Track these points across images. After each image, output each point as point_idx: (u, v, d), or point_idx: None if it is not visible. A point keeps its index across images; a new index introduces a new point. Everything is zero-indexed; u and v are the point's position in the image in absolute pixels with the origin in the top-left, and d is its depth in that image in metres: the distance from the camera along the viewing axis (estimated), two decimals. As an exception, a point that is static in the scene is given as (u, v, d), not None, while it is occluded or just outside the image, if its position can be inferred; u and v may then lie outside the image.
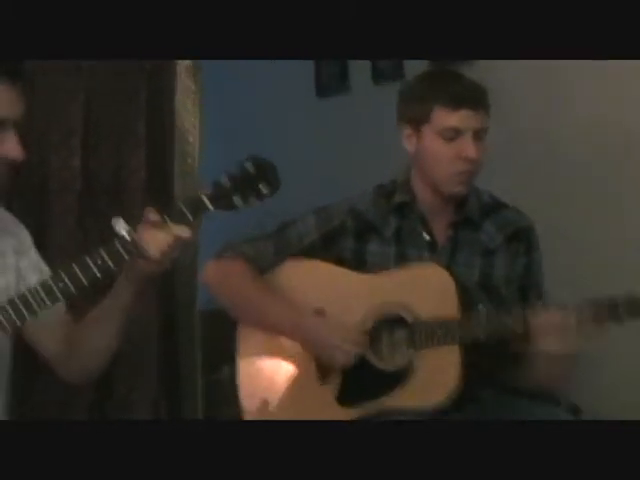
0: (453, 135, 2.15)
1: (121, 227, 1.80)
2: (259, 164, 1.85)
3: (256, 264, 2.25)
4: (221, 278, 2.27)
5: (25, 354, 2.04)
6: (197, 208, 1.82)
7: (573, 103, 3.11)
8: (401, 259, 2.24)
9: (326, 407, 2.18)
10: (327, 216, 2.27)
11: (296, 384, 2.24)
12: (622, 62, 2.35)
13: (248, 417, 2.24)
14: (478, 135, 2.17)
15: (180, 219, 1.81)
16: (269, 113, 4.13)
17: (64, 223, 2.46)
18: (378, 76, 3.81)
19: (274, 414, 2.23)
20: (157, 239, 1.80)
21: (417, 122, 2.20)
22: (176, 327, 2.58)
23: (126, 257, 1.82)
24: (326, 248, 2.26)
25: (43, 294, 1.81)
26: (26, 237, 2.02)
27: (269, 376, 2.26)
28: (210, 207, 1.83)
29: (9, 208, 2.20)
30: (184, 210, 1.82)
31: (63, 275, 1.81)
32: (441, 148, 2.17)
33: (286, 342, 2.24)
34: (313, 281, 2.26)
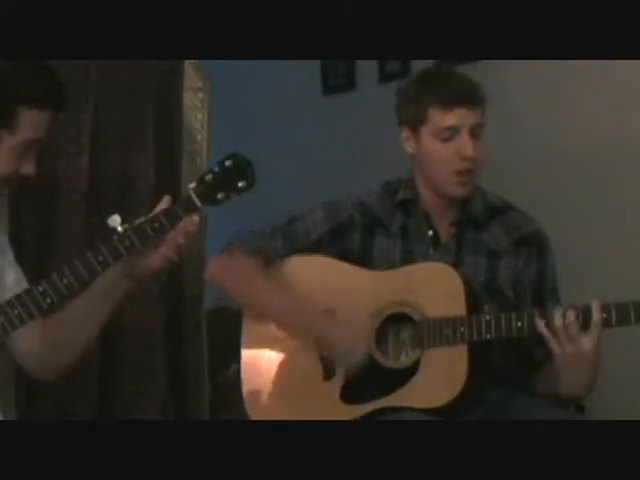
0: (450, 135, 2.15)
1: (116, 223, 1.86)
2: (237, 162, 1.93)
3: (264, 258, 2.23)
4: (229, 272, 2.25)
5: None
6: (188, 207, 1.91)
7: (578, 108, 3.10)
8: (406, 254, 2.23)
9: (330, 405, 2.17)
10: (335, 210, 2.27)
11: (300, 381, 2.23)
12: (623, 62, 2.37)
13: (251, 414, 2.23)
14: (475, 132, 2.16)
15: (174, 218, 1.89)
16: (276, 111, 4.13)
17: (71, 223, 2.46)
18: (384, 75, 3.80)
19: (277, 411, 2.22)
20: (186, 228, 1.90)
21: (414, 124, 2.19)
22: (183, 327, 2.58)
23: (124, 252, 1.86)
24: (334, 241, 2.25)
25: (49, 290, 1.84)
26: (3, 235, 2.05)
27: (273, 373, 2.25)
28: (198, 203, 1.90)
29: (17, 208, 2.19)
30: (177, 209, 1.90)
31: (67, 271, 1.84)
32: (439, 149, 2.17)
33: (290, 339, 2.23)
34: (321, 277, 2.24)
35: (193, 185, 1.92)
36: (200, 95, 2.62)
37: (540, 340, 2.07)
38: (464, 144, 2.14)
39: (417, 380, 2.12)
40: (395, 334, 2.19)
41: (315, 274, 2.25)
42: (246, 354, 2.28)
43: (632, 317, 1.98)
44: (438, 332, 2.10)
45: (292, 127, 4.03)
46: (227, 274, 2.26)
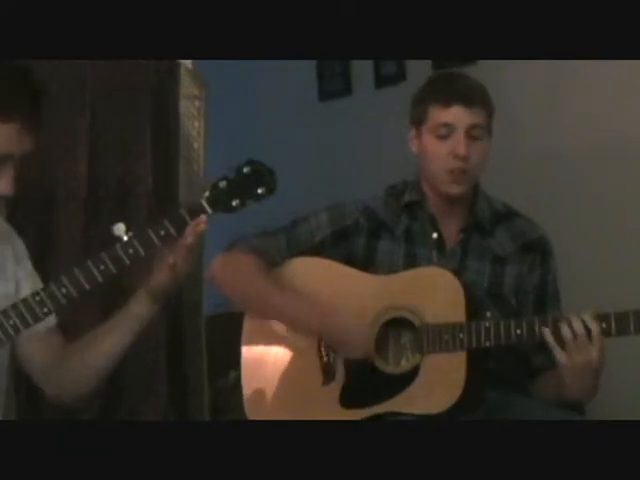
0: (446, 132, 2.15)
1: (121, 231, 1.83)
2: (256, 168, 1.89)
3: (266, 258, 2.24)
4: (230, 272, 2.25)
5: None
6: (197, 212, 1.86)
7: (577, 109, 3.10)
8: (410, 258, 2.24)
9: (329, 409, 2.16)
10: (340, 213, 2.27)
11: (299, 385, 2.23)
12: (622, 63, 2.34)
13: (250, 415, 2.24)
14: (472, 132, 2.15)
15: (181, 224, 1.84)
16: (272, 117, 4.18)
17: (69, 231, 2.46)
18: (380, 79, 3.81)
19: (277, 414, 2.22)
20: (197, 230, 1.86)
21: (418, 123, 2.22)
22: (183, 333, 2.59)
23: (127, 261, 1.83)
24: (337, 245, 2.25)
25: (46, 299, 1.81)
26: (22, 247, 2.02)
27: (273, 375, 2.25)
28: (209, 210, 1.86)
29: (13, 216, 2.16)
30: (184, 215, 1.85)
31: (65, 280, 1.81)
32: (435, 146, 2.18)
33: (290, 342, 2.23)
34: (323, 280, 2.24)
35: (207, 193, 1.87)
36: (197, 103, 2.63)
37: (539, 347, 2.07)
38: (458, 143, 2.14)
39: (416, 386, 2.10)
40: (395, 339, 2.18)
41: (317, 276, 2.25)
42: (246, 356, 2.27)
43: (632, 327, 1.96)
44: (438, 338, 2.10)
45: (289, 133, 4.06)
46: (228, 275, 2.25)
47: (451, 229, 2.24)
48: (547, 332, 2.00)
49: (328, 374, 2.19)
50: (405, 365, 2.14)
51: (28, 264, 2.00)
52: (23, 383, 2.12)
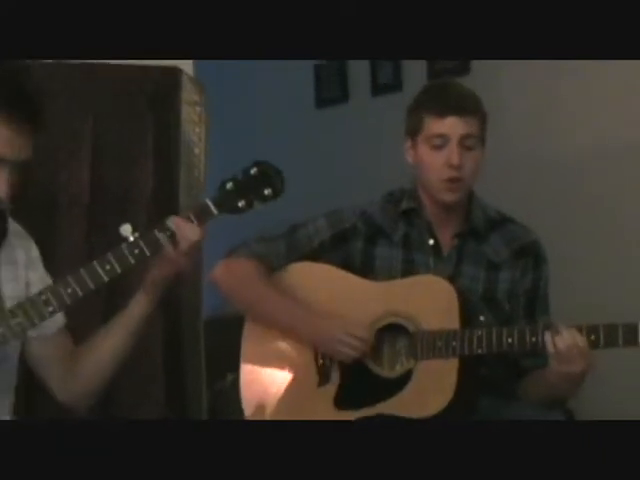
0: (441, 142, 2.15)
1: (128, 232, 1.82)
2: (264, 169, 1.88)
3: (267, 263, 2.25)
4: (232, 277, 2.26)
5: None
6: (202, 213, 1.85)
7: (571, 115, 3.11)
8: (408, 263, 2.24)
9: (324, 410, 2.17)
10: (338, 219, 2.27)
11: (295, 387, 2.23)
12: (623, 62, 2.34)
13: (249, 414, 2.24)
14: (465, 142, 2.16)
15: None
16: (271, 124, 4.20)
17: (72, 236, 2.44)
18: (377, 87, 3.82)
19: (274, 414, 2.23)
20: (187, 234, 1.84)
21: (413, 133, 2.22)
22: (181, 336, 2.57)
23: (132, 261, 1.82)
24: (335, 249, 2.25)
25: (52, 298, 1.81)
26: (35, 251, 2.01)
27: (270, 379, 2.25)
28: (215, 212, 1.85)
29: (17, 220, 2.15)
30: (190, 216, 1.84)
31: (70, 280, 1.81)
32: (430, 156, 2.18)
33: (288, 346, 2.24)
34: (321, 286, 2.25)
35: (214, 195, 1.87)
36: (197, 109, 2.61)
37: (528, 351, 2.07)
38: (451, 153, 2.14)
39: (409, 390, 2.11)
40: (390, 344, 2.18)
41: (315, 281, 2.26)
42: (245, 359, 2.28)
43: (620, 340, 1.97)
44: (431, 345, 2.10)
45: (286, 139, 4.06)
46: (230, 279, 2.26)
47: (447, 235, 2.25)
48: (548, 339, 1.99)
49: (324, 376, 2.19)
50: (399, 370, 2.14)
51: (40, 268, 2.00)
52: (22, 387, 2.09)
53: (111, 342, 1.95)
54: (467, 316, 2.12)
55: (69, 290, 1.81)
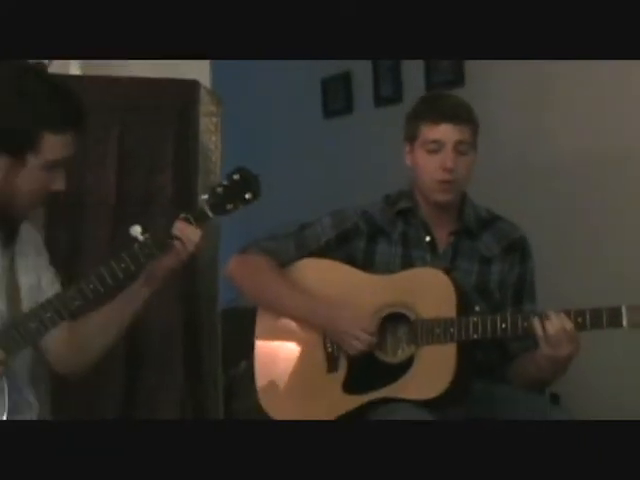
0: (436, 148, 2.17)
1: (137, 233, 1.87)
2: (244, 175, 1.93)
3: (277, 259, 2.26)
4: (245, 271, 2.27)
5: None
6: (200, 217, 1.91)
7: (560, 121, 3.10)
8: (406, 259, 2.24)
9: (332, 395, 2.18)
10: (342, 218, 2.28)
11: (306, 373, 2.23)
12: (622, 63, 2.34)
13: (263, 400, 2.25)
14: (459, 147, 2.17)
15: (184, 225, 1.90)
16: (281, 133, 4.16)
17: (98, 235, 2.44)
18: (379, 99, 3.83)
19: (286, 399, 2.24)
20: (190, 236, 1.89)
21: (411, 139, 2.23)
22: (199, 326, 2.56)
23: (143, 260, 1.87)
24: (340, 247, 2.26)
25: (77, 294, 1.85)
26: (40, 239, 2.05)
27: (282, 365, 2.25)
28: (210, 215, 1.91)
29: (48, 219, 2.19)
30: (190, 219, 1.90)
31: (93, 277, 1.85)
32: (426, 160, 2.19)
33: (298, 334, 2.24)
34: (328, 279, 2.25)
35: (205, 197, 1.92)
36: (214, 120, 2.60)
37: (516, 336, 2.08)
38: (446, 157, 2.15)
39: (411, 374, 2.12)
40: (392, 332, 2.19)
41: (323, 275, 2.26)
42: (259, 347, 2.28)
43: (604, 322, 1.97)
44: (430, 332, 2.11)
45: (296, 146, 4.05)
46: (243, 273, 2.27)
47: (442, 233, 2.26)
48: (537, 324, 2.01)
49: (332, 363, 2.20)
50: (401, 355, 2.15)
51: (45, 255, 2.03)
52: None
53: (107, 323, 1.97)
54: (463, 305, 2.13)
55: (91, 286, 1.85)
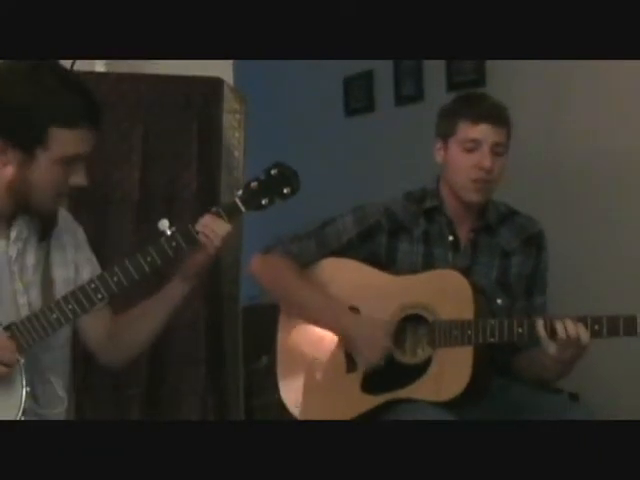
0: (473, 146, 2.16)
1: (165, 227, 1.84)
2: (282, 170, 1.90)
3: (299, 261, 2.25)
4: (267, 272, 2.27)
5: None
6: (232, 211, 1.88)
7: (577, 122, 3.07)
8: (428, 258, 2.23)
9: (351, 394, 2.17)
10: (363, 215, 2.26)
11: (326, 371, 2.23)
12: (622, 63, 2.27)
13: (284, 398, 2.24)
14: (495, 149, 2.18)
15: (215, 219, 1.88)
16: (304, 130, 4.19)
17: (122, 229, 2.45)
18: (400, 98, 3.80)
19: (306, 397, 2.23)
20: (216, 230, 1.86)
21: (445, 136, 2.21)
22: (222, 322, 2.57)
23: (170, 253, 1.85)
24: (362, 244, 2.25)
25: (100, 286, 1.84)
26: (81, 234, 2.04)
27: (303, 363, 2.25)
28: (242, 209, 1.88)
29: (76, 215, 2.15)
30: (221, 213, 1.87)
31: (117, 270, 1.83)
32: (462, 158, 2.17)
33: (320, 333, 2.24)
34: (349, 279, 2.24)
35: (239, 192, 1.89)
36: (237, 117, 2.61)
37: (532, 341, 2.06)
38: (483, 156, 2.15)
39: (428, 376, 2.10)
40: (412, 333, 2.18)
41: (344, 276, 2.25)
42: (281, 344, 2.28)
43: (621, 330, 1.96)
44: (448, 333, 2.09)
45: (318, 144, 4.07)
46: (266, 272, 2.27)
47: (464, 230, 2.25)
48: (540, 327, 1.99)
49: (351, 363, 2.19)
50: (420, 356, 2.13)
51: (87, 249, 2.02)
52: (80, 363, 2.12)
53: (148, 318, 1.98)
54: (484, 302, 2.13)
55: (115, 279, 1.83)
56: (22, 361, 1.78)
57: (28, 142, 1.78)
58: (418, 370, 2.11)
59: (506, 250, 2.25)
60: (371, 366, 2.14)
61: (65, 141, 1.79)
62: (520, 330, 2.02)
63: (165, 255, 1.84)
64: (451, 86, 3.48)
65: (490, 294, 2.18)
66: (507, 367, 2.22)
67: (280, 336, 2.28)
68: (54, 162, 1.80)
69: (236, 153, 2.59)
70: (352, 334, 2.16)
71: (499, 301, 2.19)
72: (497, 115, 2.18)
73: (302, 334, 2.26)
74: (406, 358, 2.14)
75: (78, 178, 1.84)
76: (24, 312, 1.84)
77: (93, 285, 1.83)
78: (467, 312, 2.09)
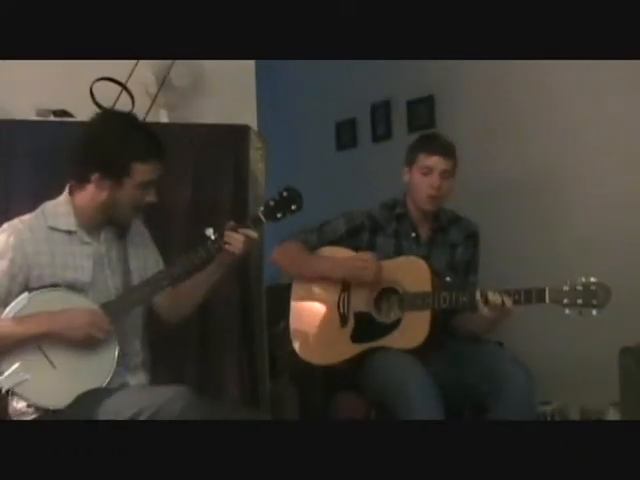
0: (427, 171, 2.18)
1: (210, 233, 1.89)
2: (291, 192, 1.93)
3: (306, 245, 2.26)
4: (283, 254, 2.26)
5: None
6: (256, 221, 1.93)
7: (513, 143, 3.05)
8: (398, 248, 2.24)
9: (344, 343, 2.19)
10: (351, 217, 2.27)
11: (325, 327, 2.24)
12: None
13: (296, 348, 2.24)
14: (444, 174, 2.19)
15: (247, 228, 1.92)
16: (305, 162, 4.07)
17: (179, 234, 2.39)
18: (375, 137, 3.76)
19: (312, 346, 2.23)
20: (236, 239, 1.88)
21: (410, 163, 2.24)
22: (250, 297, 2.51)
23: (213, 252, 1.88)
24: (350, 238, 2.25)
25: (166, 276, 1.90)
26: (147, 234, 2.05)
27: (309, 322, 2.26)
28: (263, 220, 1.92)
29: (146, 223, 2.17)
30: (249, 222, 1.92)
31: (177, 264, 1.90)
32: (420, 180, 2.20)
33: (320, 300, 2.23)
34: None
35: (261, 208, 1.93)
36: (260, 152, 2.54)
37: (471, 306, 2.07)
38: (434, 179, 2.18)
39: (399, 330, 2.14)
40: (387, 300, 2.20)
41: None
42: (293, 308, 2.29)
43: (533, 299, 1.97)
44: (413, 301, 2.13)
45: (316, 171, 3.92)
46: (284, 257, 2.27)
47: (424, 229, 2.28)
48: (478, 296, 2.01)
49: (344, 320, 2.22)
50: (392, 317, 2.17)
51: (152, 245, 2.03)
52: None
53: (197, 287, 1.98)
54: (438, 280, 2.14)
55: (176, 270, 1.89)
56: (113, 329, 1.82)
57: (118, 174, 1.83)
58: (391, 327, 2.15)
59: (454, 243, 2.28)
60: (368, 278, 2.09)
61: (143, 172, 1.84)
62: (464, 299, 2.06)
63: (210, 254, 1.89)
64: (411, 127, 3.48)
65: (442, 274, 2.20)
66: (450, 327, 2.22)
67: (292, 302, 2.28)
68: (135, 187, 1.85)
69: (260, 178, 2.55)
70: (350, 269, 2.15)
71: (448, 279, 2.20)
72: (446, 149, 2.21)
73: (308, 300, 2.27)
74: (383, 318, 2.18)
75: (151, 197, 1.89)
76: (112, 292, 1.87)
77: (161, 275, 1.89)
78: (426, 286, 2.13)
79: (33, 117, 2.32)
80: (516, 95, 3.05)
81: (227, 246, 1.87)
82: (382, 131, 3.73)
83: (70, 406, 1.74)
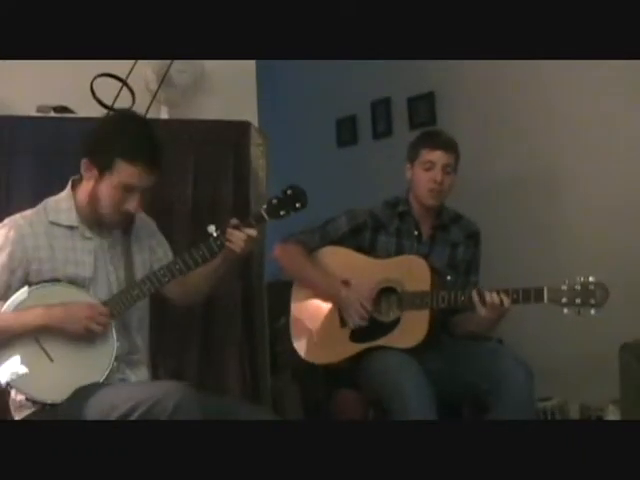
0: (430, 166, 2.17)
1: (212, 230, 1.86)
2: (295, 190, 1.90)
3: (308, 247, 2.25)
4: (285, 256, 2.25)
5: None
6: (258, 219, 1.89)
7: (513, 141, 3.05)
8: (399, 247, 2.23)
9: (343, 342, 2.18)
10: (354, 216, 2.26)
11: (325, 327, 2.23)
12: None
13: (296, 347, 2.23)
14: (446, 169, 2.17)
15: (250, 226, 1.88)
16: (306, 159, 4.06)
17: (180, 232, 2.39)
18: (376, 134, 3.75)
19: (311, 345, 2.23)
20: (237, 237, 1.85)
21: (412, 160, 2.23)
22: (252, 293, 2.52)
23: (216, 249, 1.85)
24: (353, 237, 2.24)
25: (167, 272, 1.87)
26: (153, 224, 2.04)
27: (309, 321, 2.25)
28: (266, 217, 1.88)
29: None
30: (251, 220, 1.88)
31: (178, 261, 1.88)
32: (422, 175, 2.19)
33: (321, 299, 2.24)
34: (343, 261, 2.24)
35: (264, 206, 1.90)
36: (261, 149, 2.56)
37: (470, 306, 2.06)
38: (436, 174, 2.16)
39: (398, 330, 2.13)
40: (386, 299, 2.19)
41: (339, 259, 2.25)
42: (294, 308, 2.28)
43: (532, 298, 1.97)
44: (412, 301, 2.12)
45: (318, 168, 3.92)
46: (284, 256, 2.26)
47: (425, 228, 2.26)
48: (475, 295, 2.01)
49: (343, 320, 2.20)
50: (391, 316, 2.16)
51: (159, 235, 2.02)
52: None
53: (204, 277, 1.97)
54: (437, 279, 2.13)
55: (177, 267, 1.86)
56: (113, 323, 1.80)
57: (101, 165, 1.76)
58: (390, 326, 2.14)
59: (454, 242, 2.26)
60: (357, 324, 2.15)
61: (125, 171, 1.75)
62: (462, 298, 2.04)
63: (212, 251, 1.86)
64: (412, 124, 3.48)
65: (442, 273, 2.19)
66: (448, 327, 2.21)
67: (293, 303, 2.29)
68: (116, 186, 1.77)
69: (261, 175, 2.55)
70: (344, 300, 2.17)
71: (448, 278, 2.19)
72: (448, 144, 2.20)
73: (308, 301, 2.27)
74: (382, 317, 2.16)
75: (128, 205, 1.79)
76: (114, 287, 1.85)
77: (162, 271, 1.86)
78: (425, 285, 2.11)
79: (34, 113, 2.31)
80: (516, 93, 3.04)
81: (229, 244, 1.86)
82: (383, 128, 3.72)
83: (67, 400, 1.72)
